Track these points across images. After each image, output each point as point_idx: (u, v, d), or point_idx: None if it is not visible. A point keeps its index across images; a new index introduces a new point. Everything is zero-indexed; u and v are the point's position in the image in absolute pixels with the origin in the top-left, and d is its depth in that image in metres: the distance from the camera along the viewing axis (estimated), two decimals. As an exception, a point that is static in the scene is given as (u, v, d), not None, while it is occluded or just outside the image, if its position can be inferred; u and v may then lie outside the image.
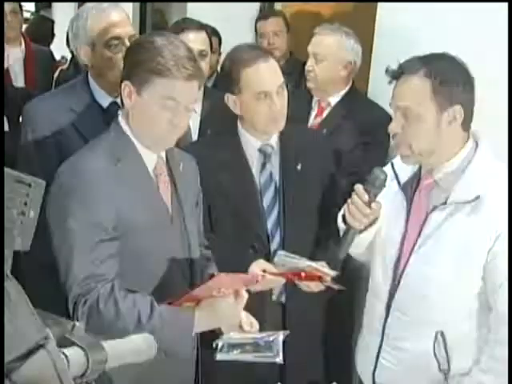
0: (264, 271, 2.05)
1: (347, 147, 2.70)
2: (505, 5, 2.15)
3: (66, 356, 0.88)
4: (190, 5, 4.37)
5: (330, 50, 2.81)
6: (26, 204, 0.84)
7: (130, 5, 4.94)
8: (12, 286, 0.84)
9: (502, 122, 2.12)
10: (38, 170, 2.10)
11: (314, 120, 2.92)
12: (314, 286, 2.13)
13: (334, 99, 2.88)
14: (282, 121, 2.18)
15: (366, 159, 2.56)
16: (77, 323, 0.93)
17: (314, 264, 2.07)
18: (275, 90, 2.10)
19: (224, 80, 2.20)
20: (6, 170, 0.81)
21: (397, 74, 1.78)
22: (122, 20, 2.19)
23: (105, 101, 2.22)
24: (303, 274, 2.06)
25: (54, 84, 4.30)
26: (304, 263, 2.07)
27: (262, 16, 3.82)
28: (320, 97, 2.91)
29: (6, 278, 0.83)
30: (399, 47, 2.54)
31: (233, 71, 2.13)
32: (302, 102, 2.93)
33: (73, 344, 0.90)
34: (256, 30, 3.80)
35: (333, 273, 2.08)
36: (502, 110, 2.12)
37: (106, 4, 2.20)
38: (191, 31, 2.69)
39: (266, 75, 2.10)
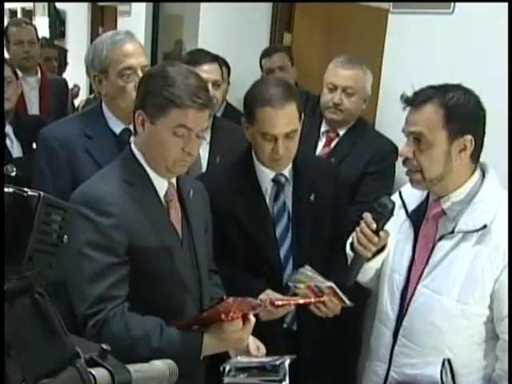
0: (271, 300, 2.07)
1: (354, 177, 2.74)
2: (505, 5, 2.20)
3: (93, 376, 0.90)
4: (200, 37, 4.47)
5: (360, 84, 2.85)
6: (61, 228, 0.88)
7: (142, 35, 5.04)
8: (48, 305, 0.87)
9: (501, 122, 2.14)
10: (53, 193, 2.14)
11: (322, 150, 2.95)
12: (332, 309, 2.10)
13: (342, 130, 2.92)
14: (286, 162, 2.21)
15: (373, 189, 2.59)
16: (104, 346, 0.96)
17: (334, 286, 2.06)
18: (282, 136, 2.10)
19: (245, 102, 2.20)
20: (43, 194, 0.84)
21: (411, 101, 1.82)
22: (136, 51, 2.25)
23: (118, 127, 2.28)
24: (311, 299, 2.04)
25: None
26: (325, 283, 2.06)
27: (266, 53, 3.88)
28: (337, 128, 2.93)
29: (42, 298, 0.87)
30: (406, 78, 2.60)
31: (252, 101, 2.15)
32: (313, 131, 2.95)
33: (99, 365, 0.93)
34: (261, 66, 3.88)
35: (350, 303, 2.08)
36: (502, 110, 2.14)
37: (121, 35, 2.27)
38: (205, 62, 2.74)
39: (275, 121, 2.08)
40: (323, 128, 2.98)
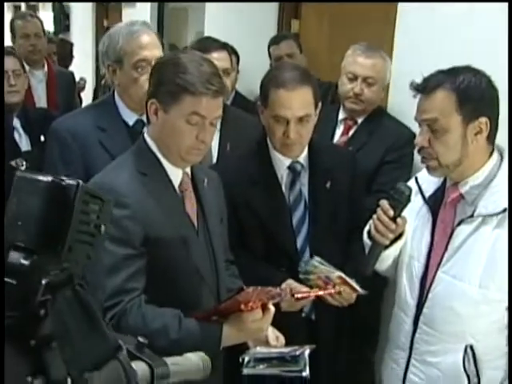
0: (291, 291, 2.05)
1: (373, 165, 2.72)
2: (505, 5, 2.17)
3: (134, 369, 0.90)
4: (206, 26, 4.44)
5: (382, 74, 2.82)
6: (98, 218, 0.86)
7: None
8: (89, 297, 0.87)
9: (502, 122, 2.12)
10: None
11: (340, 138, 2.92)
12: (346, 298, 2.10)
13: (360, 118, 2.90)
14: (298, 148, 2.19)
15: (391, 178, 2.56)
16: (140, 339, 0.95)
17: (343, 275, 2.05)
18: (294, 120, 2.09)
19: (261, 86, 2.19)
20: (81, 182, 0.83)
21: (421, 88, 1.79)
22: (152, 43, 2.24)
23: (131, 119, 2.27)
24: (331, 289, 2.03)
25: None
26: (335, 273, 2.05)
27: (274, 41, 3.85)
28: (356, 117, 2.91)
29: (83, 289, 0.86)
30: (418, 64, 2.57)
31: (267, 84, 2.14)
32: (330, 118, 2.93)
33: (138, 358, 0.93)
34: (270, 54, 3.84)
35: (363, 291, 2.07)
36: (501, 110, 2.11)
37: (138, 26, 2.25)
38: (214, 50, 2.72)
39: (288, 103, 2.07)
40: (341, 116, 2.95)
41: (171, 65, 1.73)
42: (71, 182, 0.82)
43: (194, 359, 1.08)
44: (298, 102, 2.08)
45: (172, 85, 1.69)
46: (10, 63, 3.13)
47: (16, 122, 3.11)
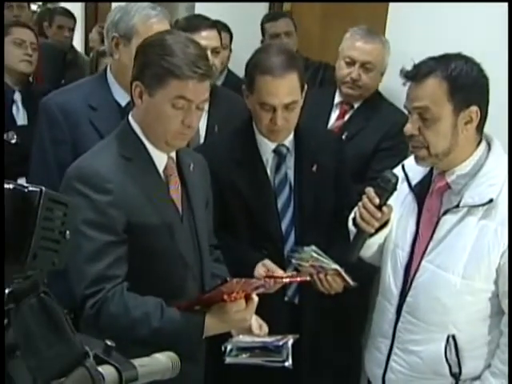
0: (268, 272, 2.05)
1: (368, 151, 2.70)
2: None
3: (101, 373, 0.89)
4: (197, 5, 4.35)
5: (380, 58, 2.77)
6: (62, 224, 0.85)
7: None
8: (54, 304, 0.85)
9: (502, 122, 2.11)
10: (54, 164, 2.11)
11: (335, 122, 2.89)
12: (334, 287, 2.12)
13: (356, 103, 2.86)
14: (285, 134, 2.18)
15: (386, 166, 2.54)
16: (108, 342, 0.94)
17: (340, 268, 2.06)
18: (282, 106, 2.06)
19: (246, 70, 2.15)
20: (44, 189, 0.81)
21: (412, 75, 1.76)
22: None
23: (123, 99, 2.22)
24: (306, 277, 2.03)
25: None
26: (331, 265, 2.06)
27: (272, 17, 3.74)
28: (352, 102, 2.87)
29: (48, 297, 0.84)
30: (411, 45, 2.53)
31: (253, 69, 2.10)
32: (326, 101, 2.90)
33: (105, 362, 0.92)
34: (263, 32, 3.73)
35: (353, 283, 2.09)
36: (502, 110, 2.10)
37: (157, 11, 2.21)
38: (203, 29, 2.67)
39: (275, 91, 2.04)
40: (337, 99, 2.91)
41: (157, 46, 1.69)
42: (34, 188, 0.80)
43: (163, 359, 1.07)
44: (285, 89, 2.05)
45: (157, 68, 1.65)
46: (30, 35, 3.21)
47: (17, 96, 3.14)
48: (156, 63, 1.65)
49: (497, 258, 1.73)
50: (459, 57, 1.76)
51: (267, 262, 2.12)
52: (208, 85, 1.71)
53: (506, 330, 1.78)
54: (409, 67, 1.78)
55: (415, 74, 1.75)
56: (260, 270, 2.08)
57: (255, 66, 2.09)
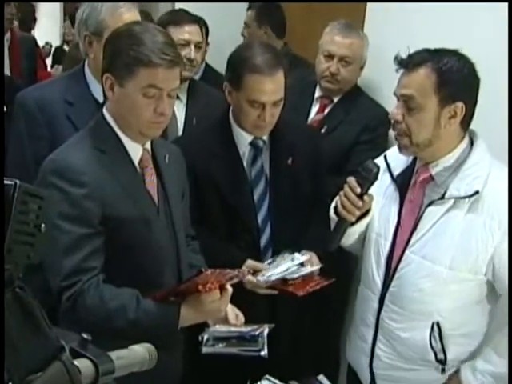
0: (253, 272, 2.06)
1: (347, 145, 2.70)
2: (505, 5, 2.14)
3: (78, 367, 0.88)
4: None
5: (358, 52, 2.78)
6: (38, 217, 0.83)
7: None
8: (29, 298, 0.84)
9: (502, 122, 2.12)
10: (31, 161, 2.07)
11: (315, 116, 2.89)
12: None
13: (336, 97, 2.86)
14: (269, 128, 2.19)
15: (364, 159, 2.55)
16: (84, 335, 0.93)
17: (310, 270, 2.09)
18: (270, 104, 2.08)
19: (229, 66, 2.15)
20: (19, 182, 0.80)
21: (405, 63, 1.77)
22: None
23: (100, 95, 2.17)
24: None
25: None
26: (299, 272, 2.09)
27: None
28: (332, 96, 2.87)
29: (23, 291, 0.83)
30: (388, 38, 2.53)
31: (239, 67, 2.09)
32: (306, 95, 2.90)
33: (81, 356, 0.90)
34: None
35: (318, 265, 2.12)
36: (502, 110, 2.12)
37: (123, 4, 2.16)
38: (186, 23, 2.67)
39: (265, 89, 2.06)
40: (317, 93, 2.92)
41: (124, 37, 1.67)
42: (9, 182, 0.78)
43: (140, 351, 1.05)
44: (274, 86, 2.08)
45: (126, 57, 1.63)
46: None
47: None
48: (124, 53, 1.63)
49: (486, 252, 1.73)
50: (454, 53, 1.77)
51: (250, 262, 2.14)
52: (178, 72, 1.69)
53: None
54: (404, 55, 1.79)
55: (408, 63, 1.77)
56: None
57: (242, 63, 2.09)
